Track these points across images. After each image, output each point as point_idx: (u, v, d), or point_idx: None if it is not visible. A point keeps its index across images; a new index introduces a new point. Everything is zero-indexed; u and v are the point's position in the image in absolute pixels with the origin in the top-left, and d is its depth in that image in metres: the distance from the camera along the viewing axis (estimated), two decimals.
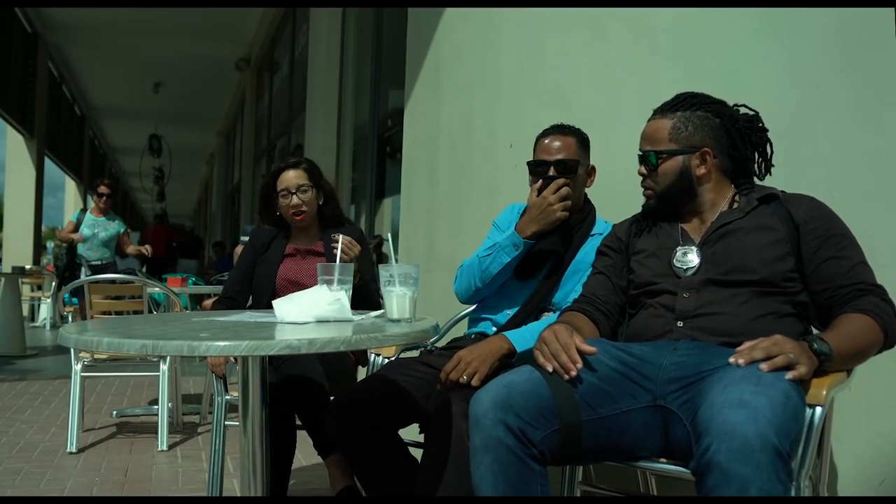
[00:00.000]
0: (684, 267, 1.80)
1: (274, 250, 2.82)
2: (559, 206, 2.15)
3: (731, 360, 1.49)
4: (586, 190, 2.31)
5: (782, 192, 1.82)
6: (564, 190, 2.15)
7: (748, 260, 1.73)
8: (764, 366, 1.45)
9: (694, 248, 1.81)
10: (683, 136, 1.84)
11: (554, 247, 2.20)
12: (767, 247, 1.73)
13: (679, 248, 1.83)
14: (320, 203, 2.86)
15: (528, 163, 2.28)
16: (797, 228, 1.74)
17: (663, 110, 1.90)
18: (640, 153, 1.91)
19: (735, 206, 1.84)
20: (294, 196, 2.76)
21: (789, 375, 1.44)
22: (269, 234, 2.86)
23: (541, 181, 2.18)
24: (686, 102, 1.87)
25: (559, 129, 2.27)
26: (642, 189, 1.94)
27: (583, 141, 2.27)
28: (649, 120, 1.92)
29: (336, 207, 2.93)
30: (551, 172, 2.19)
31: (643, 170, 1.91)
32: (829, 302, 1.68)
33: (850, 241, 1.71)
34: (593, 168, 2.31)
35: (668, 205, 1.90)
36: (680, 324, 1.74)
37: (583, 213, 2.28)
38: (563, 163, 2.20)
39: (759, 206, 1.80)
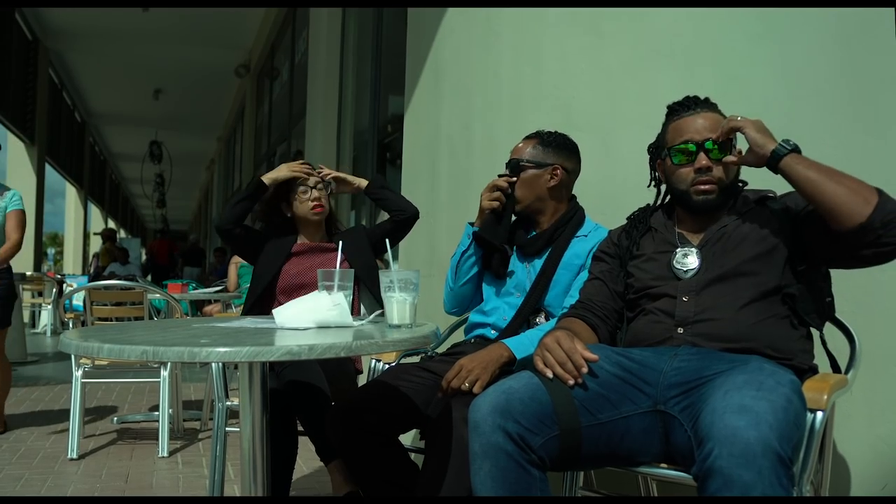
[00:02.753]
0: (684, 269, 1.80)
1: (284, 242, 2.89)
2: (486, 197, 2.28)
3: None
4: (575, 192, 2.34)
5: (775, 193, 1.83)
6: (495, 182, 2.28)
7: (746, 262, 1.73)
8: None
9: (694, 250, 1.81)
10: None
11: (487, 235, 2.29)
12: (765, 248, 1.73)
13: (678, 250, 1.83)
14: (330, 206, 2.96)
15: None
16: (792, 214, 1.75)
17: (707, 105, 1.85)
18: (699, 141, 1.79)
19: (733, 208, 1.84)
20: (314, 190, 2.87)
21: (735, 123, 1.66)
22: (280, 230, 2.94)
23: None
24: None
25: (529, 134, 2.37)
26: (699, 184, 1.80)
27: (545, 142, 2.30)
28: (700, 112, 1.83)
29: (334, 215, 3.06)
30: (504, 170, 2.32)
31: (707, 161, 1.79)
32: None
33: None
34: (560, 168, 2.27)
35: (724, 201, 1.82)
36: (680, 330, 1.74)
37: (567, 213, 2.29)
38: (510, 162, 2.31)
39: (756, 209, 1.81)
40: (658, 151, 1.94)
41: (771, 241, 1.74)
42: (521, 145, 2.33)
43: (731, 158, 1.77)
